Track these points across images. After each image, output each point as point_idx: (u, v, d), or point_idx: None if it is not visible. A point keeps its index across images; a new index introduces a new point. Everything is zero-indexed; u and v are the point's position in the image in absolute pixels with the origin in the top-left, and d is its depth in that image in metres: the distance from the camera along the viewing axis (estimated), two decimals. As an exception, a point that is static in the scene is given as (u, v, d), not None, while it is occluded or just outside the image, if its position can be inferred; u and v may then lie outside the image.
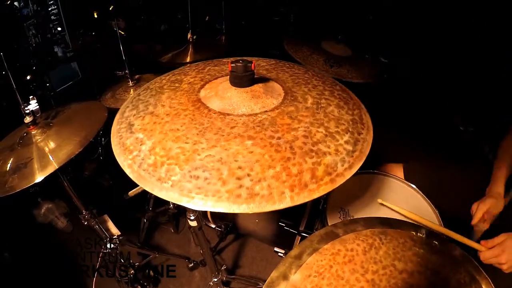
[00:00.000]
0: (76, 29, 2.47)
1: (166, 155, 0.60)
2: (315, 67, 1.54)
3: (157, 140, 0.64)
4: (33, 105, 1.05)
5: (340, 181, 0.59)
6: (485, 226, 1.09)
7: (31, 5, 2.11)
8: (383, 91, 2.37)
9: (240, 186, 0.55)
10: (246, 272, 1.75)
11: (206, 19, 2.73)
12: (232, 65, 0.76)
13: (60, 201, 1.93)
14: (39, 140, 1.04)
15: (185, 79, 0.89)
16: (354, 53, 1.76)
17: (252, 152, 0.59)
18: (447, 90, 2.26)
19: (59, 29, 2.41)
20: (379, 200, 1.11)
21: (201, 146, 0.61)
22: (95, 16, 2.44)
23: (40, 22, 2.22)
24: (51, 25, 2.34)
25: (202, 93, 0.80)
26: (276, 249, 1.46)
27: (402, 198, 1.18)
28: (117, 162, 0.65)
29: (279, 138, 0.63)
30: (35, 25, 2.19)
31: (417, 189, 1.20)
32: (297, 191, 0.55)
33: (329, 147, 0.63)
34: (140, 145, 0.64)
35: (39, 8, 2.23)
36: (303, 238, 1.30)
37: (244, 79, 0.76)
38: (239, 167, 0.57)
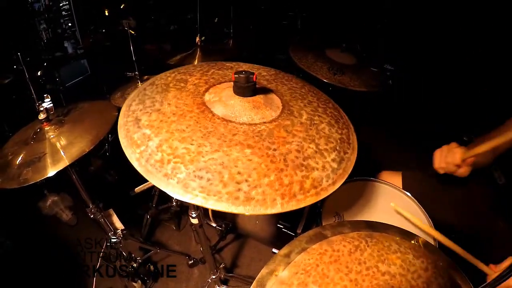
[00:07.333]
0: (87, 26, 2.50)
1: (173, 154, 0.64)
2: (318, 74, 1.58)
3: (164, 138, 0.67)
4: (47, 102, 1.10)
5: (324, 194, 0.65)
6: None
7: (42, 0, 2.14)
8: (385, 99, 2.40)
9: (239, 190, 0.60)
10: (244, 272, 1.78)
11: (215, 20, 2.76)
12: (235, 75, 0.79)
13: (66, 194, 1.98)
14: (52, 136, 1.09)
15: (190, 79, 0.92)
16: (358, 61, 1.78)
17: (250, 160, 0.64)
18: (453, 102, 2.25)
19: (69, 25, 2.44)
20: (392, 204, 1.13)
21: (205, 149, 0.65)
22: (106, 14, 2.48)
23: (51, 17, 2.23)
24: (62, 21, 2.36)
25: (207, 97, 0.83)
26: (274, 250, 1.49)
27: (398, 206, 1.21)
28: (123, 158, 0.67)
29: (275, 149, 0.67)
30: (46, 20, 2.20)
31: (412, 197, 1.21)
32: (287, 199, 0.61)
33: (317, 163, 0.68)
34: (148, 140, 0.68)
35: (51, 3, 2.23)
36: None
37: (246, 89, 0.80)
38: (239, 173, 0.62)
